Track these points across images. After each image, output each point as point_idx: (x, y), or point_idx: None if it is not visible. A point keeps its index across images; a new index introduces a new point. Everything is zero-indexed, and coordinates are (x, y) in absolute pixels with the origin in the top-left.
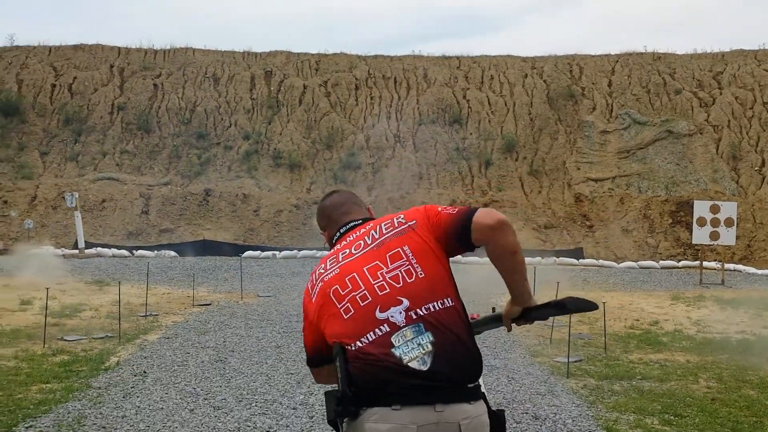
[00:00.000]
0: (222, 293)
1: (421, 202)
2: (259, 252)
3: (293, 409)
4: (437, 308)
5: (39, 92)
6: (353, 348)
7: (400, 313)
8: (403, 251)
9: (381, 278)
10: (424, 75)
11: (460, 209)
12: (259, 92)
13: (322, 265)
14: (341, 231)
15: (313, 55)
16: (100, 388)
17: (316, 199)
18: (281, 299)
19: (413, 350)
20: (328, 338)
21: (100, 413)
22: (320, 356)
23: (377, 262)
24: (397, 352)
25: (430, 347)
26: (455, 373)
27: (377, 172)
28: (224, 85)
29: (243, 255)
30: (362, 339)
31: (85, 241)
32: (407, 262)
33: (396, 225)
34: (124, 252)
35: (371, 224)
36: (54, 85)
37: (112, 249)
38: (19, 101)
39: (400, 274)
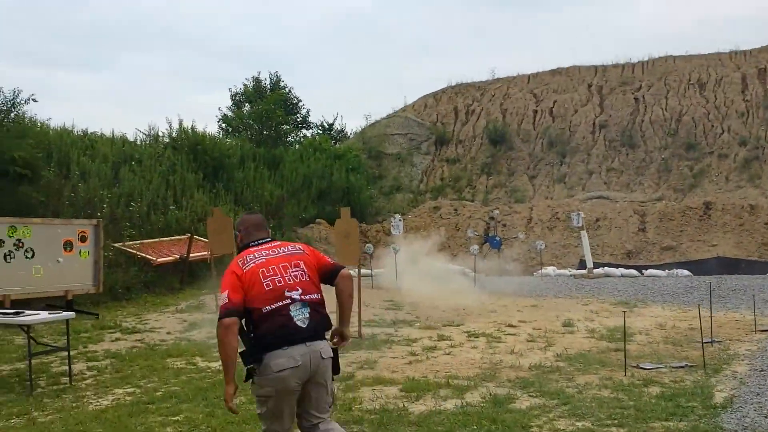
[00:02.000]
0: None
1: None
2: None
3: None
4: (313, 298)
5: (522, 119)
6: (267, 309)
7: (297, 295)
8: (300, 264)
9: (288, 274)
10: None
11: (334, 263)
12: (752, 93)
13: (249, 256)
14: (258, 241)
15: None
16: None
17: None
18: None
19: (299, 316)
20: (246, 301)
21: None
22: (237, 311)
23: (287, 264)
24: (291, 314)
25: (307, 316)
26: (318, 329)
27: None
28: (711, 90)
29: None
30: (274, 305)
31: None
32: (302, 270)
33: (297, 249)
34: (633, 271)
35: (278, 243)
36: (535, 111)
37: (620, 268)
38: (504, 130)
39: (298, 275)
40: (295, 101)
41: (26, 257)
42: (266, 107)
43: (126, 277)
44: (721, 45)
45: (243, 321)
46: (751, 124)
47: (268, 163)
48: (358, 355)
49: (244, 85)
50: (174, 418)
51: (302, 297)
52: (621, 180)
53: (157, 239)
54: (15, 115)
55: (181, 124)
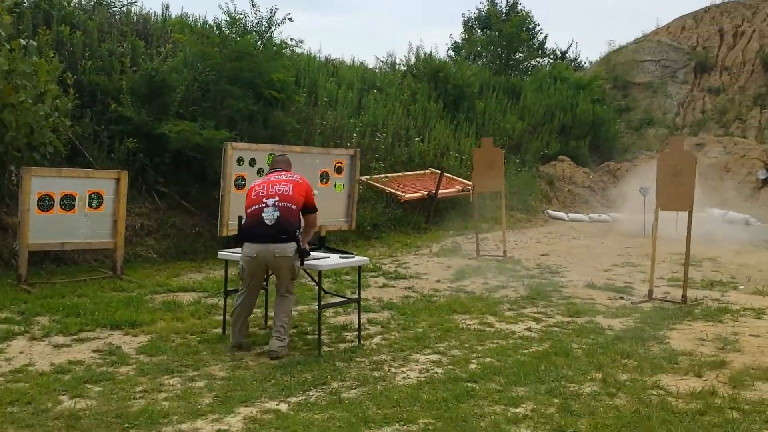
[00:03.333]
0: None
1: None
2: None
3: None
4: (287, 206)
5: None
6: (249, 210)
7: (272, 202)
8: (288, 184)
9: (273, 188)
10: None
11: (314, 205)
12: None
13: (262, 178)
14: (276, 169)
15: None
16: None
17: None
18: None
19: (268, 216)
20: (244, 208)
21: None
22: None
23: (276, 182)
24: (263, 216)
25: (275, 217)
26: (281, 231)
27: None
28: None
29: None
30: (253, 207)
31: None
32: (286, 186)
33: (295, 178)
34: None
35: (285, 173)
36: None
37: None
38: None
39: (282, 189)
40: (532, 25)
41: None
42: (511, 29)
43: (373, 214)
44: None
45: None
46: None
47: (508, 94)
48: (699, 329)
49: (478, 9)
50: (517, 411)
51: (276, 204)
52: None
53: (401, 173)
54: (270, 35)
55: (417, 50)
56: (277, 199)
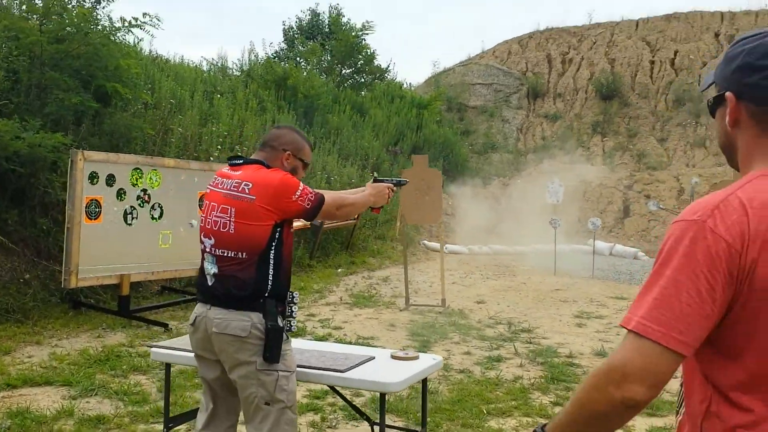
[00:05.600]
0: None
1: None
2: None
3: None
4: (229, 255)
5: (636, 71)
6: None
7: (209, 245)
8: (229, 211)
9: (211, 216)
10: None
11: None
12: None
13: (215, 177)
14: (234, 162)
15: None
16: None
17: None
18: None
19: (208, 268)
20: None
21: None
22: None
23: (216, 204)
24: (205, 264)
25: (213, 273)
26: (223, 294)
27: None
28: None
29: None
30: (200, 243)
31: None
32: (227, 218)
33: (239, 190)
34: None
35: (243, 172)
36: (652, 62)
37: None
38: (615, 83)
39: (219, 222)
40: (360, 41)
41: (152, 218)
42: (350, 40)
43: None
44: None
45: None
46: None
47: (356, 110)
48: None
49: (299, 19)
50: None
51: (212, 250)
52: None
53: None
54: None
55: (249, 53)
56: (213, 241)
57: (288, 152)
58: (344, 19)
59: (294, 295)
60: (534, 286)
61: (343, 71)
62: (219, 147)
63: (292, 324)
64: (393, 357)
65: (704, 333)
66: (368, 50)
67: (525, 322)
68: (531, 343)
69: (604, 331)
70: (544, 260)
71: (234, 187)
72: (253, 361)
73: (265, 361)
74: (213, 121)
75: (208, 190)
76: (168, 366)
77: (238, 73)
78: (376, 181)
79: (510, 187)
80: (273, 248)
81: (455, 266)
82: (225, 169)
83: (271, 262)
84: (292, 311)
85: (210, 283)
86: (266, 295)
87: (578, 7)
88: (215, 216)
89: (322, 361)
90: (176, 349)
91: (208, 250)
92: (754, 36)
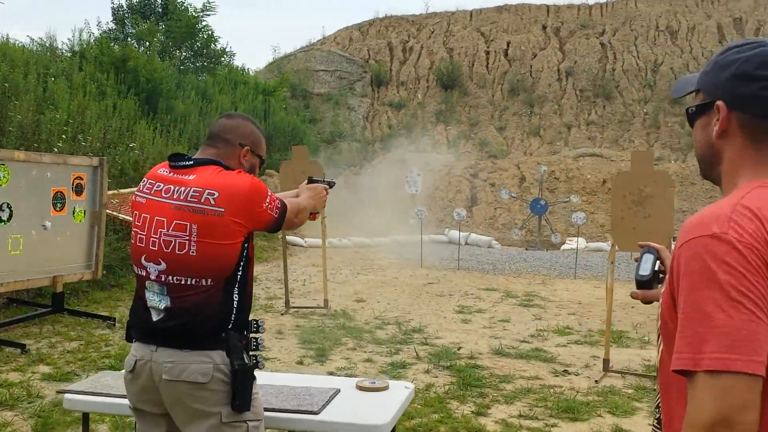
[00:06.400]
0: None
1: None
2: None
3: None
4: (188, 283)
5: (473, 61)
6: (135, 272)
7: (155, 270)
8: (188, 228)
9: (158, 236)
10: None
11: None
12: None
13: (149, 181)
14: (179, 163)
15: None
16: None
17: None
18: None
19: (154, 300)
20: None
21: None
22: None
23: (165, 220)
24: (146, 294)
25: (163, 307)
26: (178, 331)
27: None
28: (684, 38)
29: None
30: (135, 267)
31: None
32: (186, 238)
33: (201, 201)
34: None
35: (198, 176)
36: (487, 52)
37: None
38: (455, 72)
39: (173, 243)
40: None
41: (0, 221)
42: (190, 21)
43: (108, 250)
44: None
45: None
46: None
47: (200, 95)
48: None
49: None
50: None
51: (163, 277)
52: (607, 135)
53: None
54: None
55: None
56: (164, 266)
57: (246, 147)
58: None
59: (259, 322)
60: (406, 281)
61: (182, 54)
62: (63, 137)
63: (259, 360)
64: (360, 388)
65: None
66: (209, 32)
67: (412, 320)
68: (427, 344)
69: (489, 327)
70: (406, 252)
71: (193, 197)
72: (216, 412)
73: (234, 410)
74: (50, 108)
75: (142, 200)
76: (86, 417)
77: (69, 54)
78: (311, 181)
79: (360, 177)
80: (241, 270)
81: (320, 261)
82: (163, 170)
83: (237, 286)
84: (259, 343)
85: (156, 319)
86: (229, 327)
87: None
88: (166, 235)
89: (286, 401)
90: (98, 394)
91: (154, 278)
92: (749, 44)
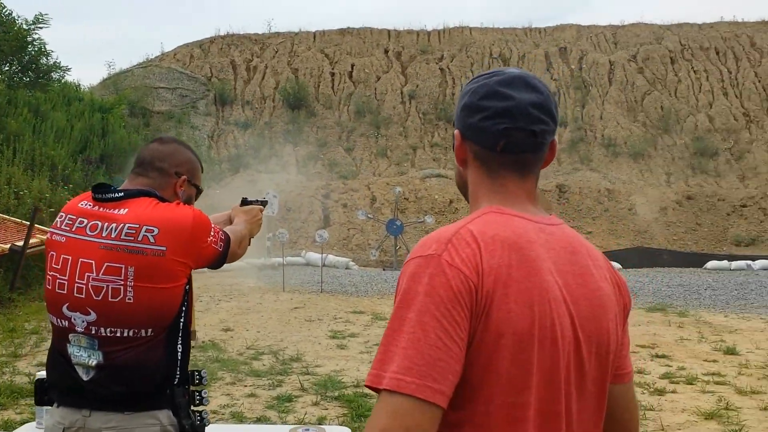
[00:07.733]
0: None
1: None
2: (727, 262)
3: None
4: (126, 335)
5: (319, 82)
6: (52, 321)
7: (83, 321)
8: (124, 271)
9: (85, 281)
10: (751, 44)
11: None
12: (559, 72)
13: (68, 216)
14: (106, 195)
15: (605, 27)
16: None
17: (691, 193)
18: None
19: (82, 356)
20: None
21: None
22: None
23: (93, 262)
24: (69, 349)
25: (94, 364)
26: (114, 389)
27: (740, 159)
28: (516, 65)
29: (707, 266)
30: (53, 317)
31: None
32: (122, 281)
33: (137, 239)
34: None
35: (131, 210)
36: (332, 74)
37: None
38: (301, 93)
39: (105, 289)
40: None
41: None
42: (21, 33)
43: None
44: (514, 21)
45: None
46: (565, 104)
47: (33, 112)
48: None
49: None
50: None
51: (93, 329)
52: (450, 157)
53: None
54: None
55: None
56: (93, 317)
57: (183, 177)
58: (5, 10)
59: (202, 373)
60: (271, 306)
61: (12, 69)
62: None
63: (204, 416)
64: None
65: (456, 378)
66: (41, 45)
67: (286, 348)
68: (309, 373)
69: (368, 352)
70: (264, 275)
71: (128, 235)
72: None
73: None
74: None
75: (61, 238)
76: None
77: None
78: (244, 203)
79: (209, 198)
80: (183, 316)
81: None
82: (85, 204)
83: (180, 335)
84: (203, 397)
85: (87, 378)
86: (174, 383)
87: (257, 14)
88: (95, 279)
89: None
90: None
91: (82, 330)
92: (485, 75)
